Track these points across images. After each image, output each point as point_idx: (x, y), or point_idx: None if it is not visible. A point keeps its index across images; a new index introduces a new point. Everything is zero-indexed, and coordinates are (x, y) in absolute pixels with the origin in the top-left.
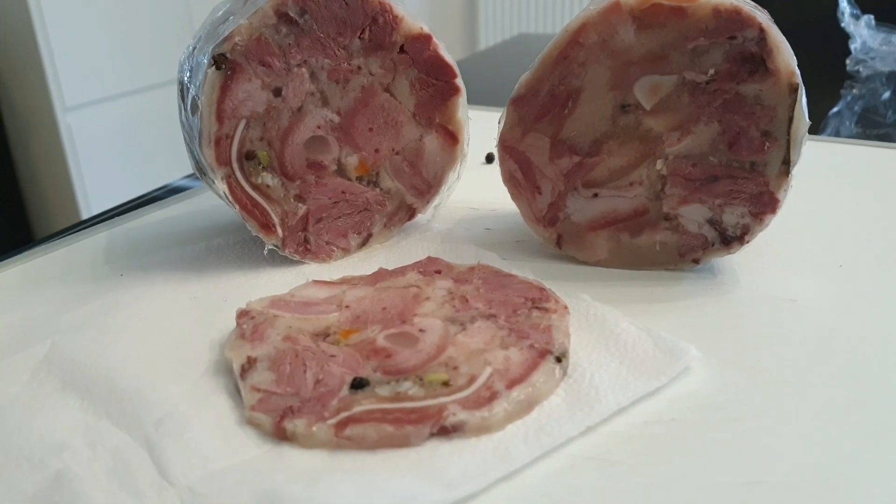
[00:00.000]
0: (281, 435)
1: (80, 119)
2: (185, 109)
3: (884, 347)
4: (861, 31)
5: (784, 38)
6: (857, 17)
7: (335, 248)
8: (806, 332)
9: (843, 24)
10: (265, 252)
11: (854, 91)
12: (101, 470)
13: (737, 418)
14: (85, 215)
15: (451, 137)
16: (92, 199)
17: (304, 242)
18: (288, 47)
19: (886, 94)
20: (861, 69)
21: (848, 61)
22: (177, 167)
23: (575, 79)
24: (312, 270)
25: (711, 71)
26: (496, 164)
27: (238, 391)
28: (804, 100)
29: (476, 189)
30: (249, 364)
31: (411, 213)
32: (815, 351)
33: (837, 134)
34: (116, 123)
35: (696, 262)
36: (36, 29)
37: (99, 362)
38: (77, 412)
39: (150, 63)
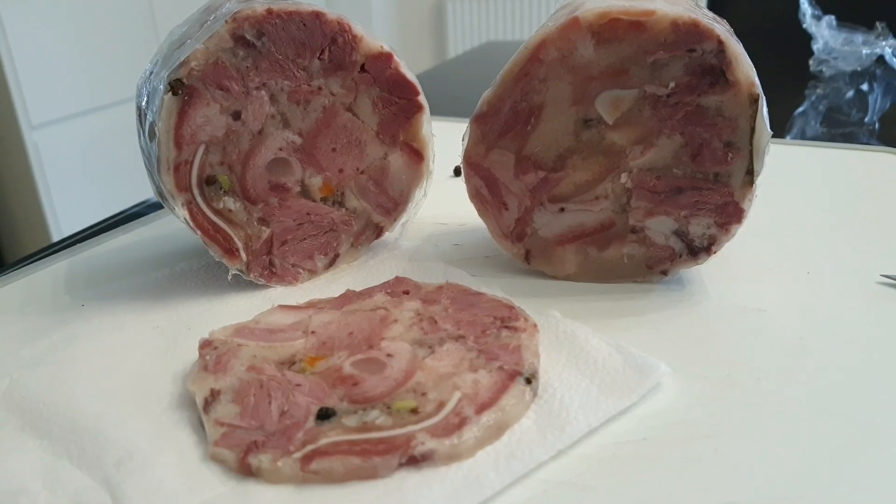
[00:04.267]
0: (246, 471)
1: (48, 137)
2: (144, 135)
3: (854, 355)
4: (823, 32)
5: (743, 49)
6: (818, 18)
7: (301, 271)
8: (775, 342)
9: (804, 25)
10: (229, 277)
11: (818, 91)
12: None
13: (709, 435)
14: (55, 233)
15: (416, 155)
16: (61, 216)
17: (269, 266)
18: (246, 70)
19: (850, 93)
20: (824, 69)
21: (811, 62)
22: (148, 183)
23: (536, 95)
24: (278, 294)
25: (672, 84)
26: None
27: (202, 425)
28: (765, 110)
29: (444, 203)
30: (213, 397)
31: (378, 231)
32: (785, 362)
33: (803, 133)
34: (84, 140)
35: (665, 273)
36: None
37: (58, 399)
38: (36, 453)
39: (117, 78)
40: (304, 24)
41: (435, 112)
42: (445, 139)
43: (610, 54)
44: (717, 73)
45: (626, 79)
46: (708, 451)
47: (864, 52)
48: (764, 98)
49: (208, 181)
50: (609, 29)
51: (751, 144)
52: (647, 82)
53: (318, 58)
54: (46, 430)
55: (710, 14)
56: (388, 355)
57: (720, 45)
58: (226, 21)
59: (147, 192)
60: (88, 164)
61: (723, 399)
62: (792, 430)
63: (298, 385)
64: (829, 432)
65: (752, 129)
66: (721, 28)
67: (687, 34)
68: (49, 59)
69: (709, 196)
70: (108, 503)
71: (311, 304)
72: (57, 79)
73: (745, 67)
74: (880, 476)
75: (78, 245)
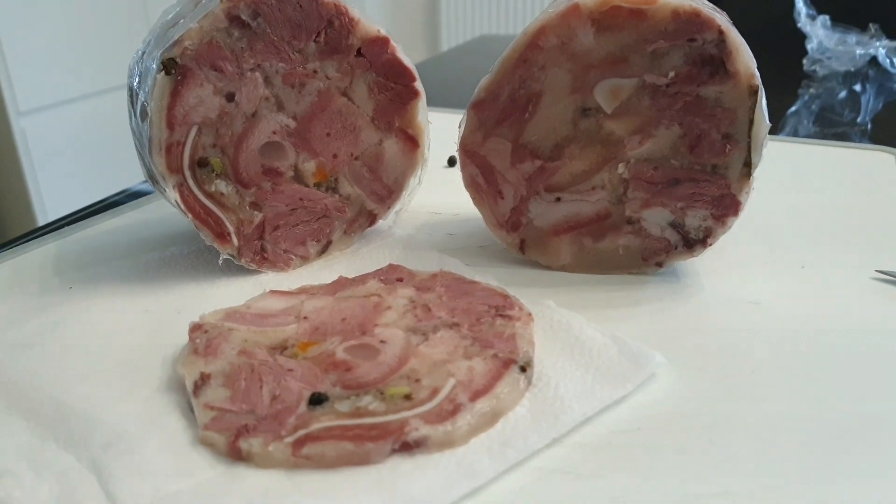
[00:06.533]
0: (236, 455)
1: (35, 123)
2: (135, 116)
3: (847, 349)
4: (817, 32)
5: (743, 40)
6: (813, 18)
7: (293, 257)
8: (770, 335)
9: (799, 25)
10: (220, 262)
11: (811, 90)
12: (46, 496)
13: (703, 426)
14: (41, 221)
15: (412, 142)
16: (48, 204)
17: (260, 251)
18: (241, 51)
19: (843, 94)
20: (818, 69)
21: (805, 61)
22: (134, 171)
23: (535, 82)
24: (270, 280)
25: (671, 73)
26: (458, 167)
27: (191, 409)
28: (764, 102)
29: (438, 193)
30: (203, 380)
31: (372, 219)
32: (779, 354)
33: (796, 133)
34: (72, 127)
35: (660, 265)
36: None
37: (45, 381)
38: (22, 435)
39: (106, 66)
40: (301, 6)
41: (427, 103)
42: (439, 130)
43: (610, 42)
44: (717, 63)
45: (626, 67)
46: (702, 442)
47: (857, 52)
48: (763, 90)
49: (200, 163)
50: (610, 16)
51: (749, 136)
52: (647, 71)
53: (314, 40)
54: (33, 411)
55: (711, 4)
56: (382, 341)
57: (721, 35)
58: (221, 0)
59: (131, 181)
60: (76, 152)
61: (717, 390)
62: (786, 421)
63: (290, 370)
64: (822, 424)
65: (751, 121)
66: (722, 18)
67: (688, 23)
68: (37, 45)
69: (706, 188)
70: (94, 485)
71: (303, 290)
72: (45, 65)
73: (745, 58)
74: (873, 467)
75: (67, 227)
